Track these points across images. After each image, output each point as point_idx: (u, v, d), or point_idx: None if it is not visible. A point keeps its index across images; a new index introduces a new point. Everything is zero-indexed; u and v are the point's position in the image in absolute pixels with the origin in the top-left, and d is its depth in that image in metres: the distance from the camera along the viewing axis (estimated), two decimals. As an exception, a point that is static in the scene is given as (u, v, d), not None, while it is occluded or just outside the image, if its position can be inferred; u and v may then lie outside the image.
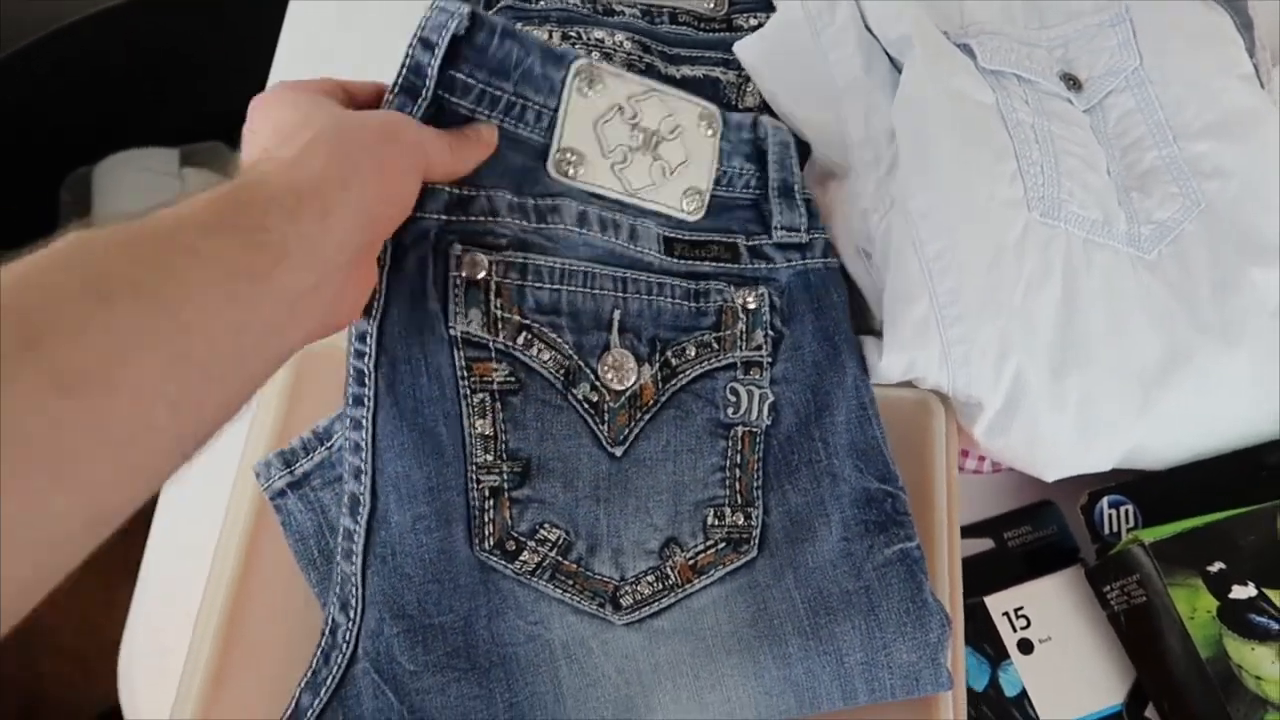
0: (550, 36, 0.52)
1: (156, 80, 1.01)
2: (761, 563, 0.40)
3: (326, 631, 0.37)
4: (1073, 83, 0.47)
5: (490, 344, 0.38)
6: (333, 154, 0.31)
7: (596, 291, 0.41)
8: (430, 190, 0.38)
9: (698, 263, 0.43)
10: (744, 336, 0.42)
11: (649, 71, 0.52)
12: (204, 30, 0.98)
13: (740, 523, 0.40)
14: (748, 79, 0.52)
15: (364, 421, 0.37)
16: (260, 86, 0.65)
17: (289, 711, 0.36)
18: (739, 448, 0.41)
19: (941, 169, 0.43)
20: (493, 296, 0.39)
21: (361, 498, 0.37)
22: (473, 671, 0.37)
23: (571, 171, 0.40)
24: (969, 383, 0.42)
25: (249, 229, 0.28)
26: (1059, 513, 0.49)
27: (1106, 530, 0.46)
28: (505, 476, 0.38)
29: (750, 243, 0.44)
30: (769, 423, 0.42)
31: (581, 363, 0.40)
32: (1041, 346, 0.42)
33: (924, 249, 0.42)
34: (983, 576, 0.46)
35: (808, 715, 0.39)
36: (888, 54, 0.48)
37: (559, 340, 0.39)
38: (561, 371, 0.39)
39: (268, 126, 0.35)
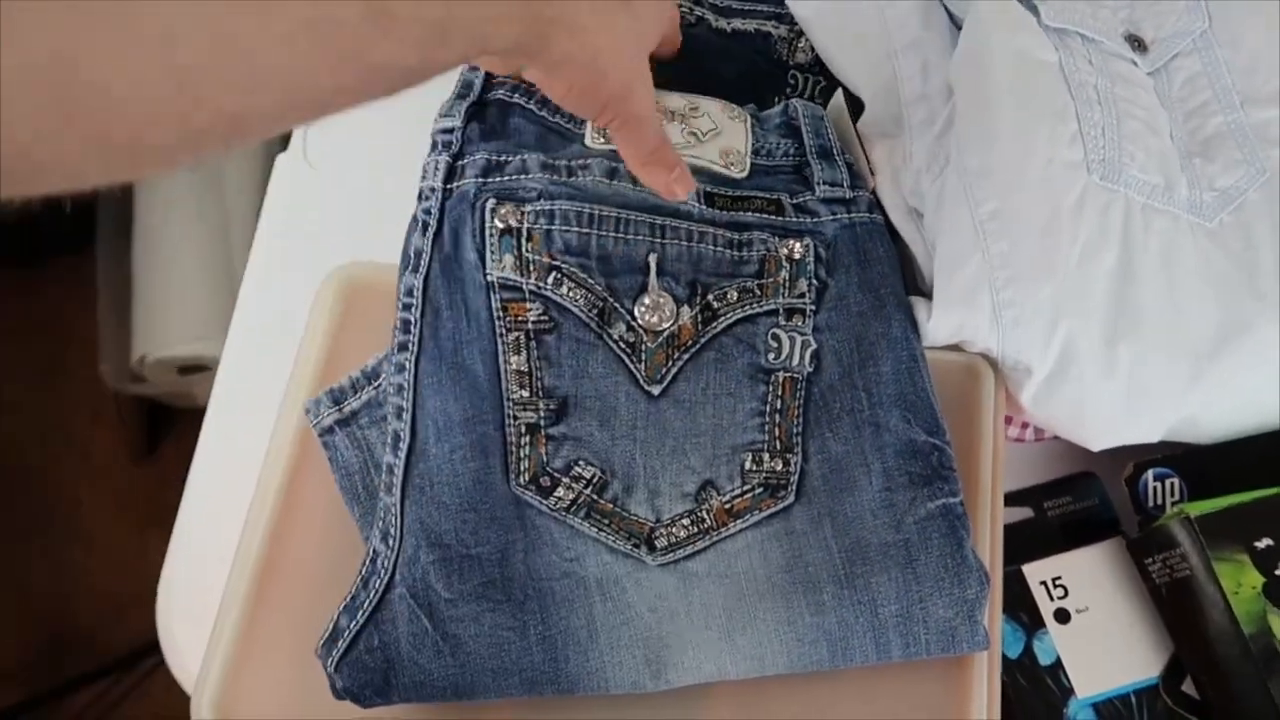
0: (601, -15, 0.51)
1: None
2: (799, 510, 0.40)
3: (367, 560, 0.38)
4: (1138, 44, 0.46)
5: (523, 285, 0.40)
6: None
7: (630, 236, 0.41)
8: (469, 159, 0.42)
9: (740, 214, 0.43)
10: (787, 284, 0.42)
11: (699, 24, 0.52)
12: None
13: (778, 468, 0.40)
14: (800, 33, 0.51)
15: (407, 365, 0.39)
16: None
17: (326, 632, 0.37)
18: (779, 393, 0.41)
19: (1000, 128, 0.42)
20: (524, 241, 0.41)
21: (402, 434, 0.39)
22: (507, 603, 0.38)
23: (608, 136, 0.42)
24: (1019, 346, 0.42)
25: None
26: (1100, 484, 0.48)
27: (1151, 503, 0.45)
28: (541, 413, 0.39)
29: (795, 200, 0.44)
30: (811, 369, 0.41)
31: (616, 303, 0.41)
32: (1094, 312, 0.41)
33: (979, 209, 0.41)
34: (1021, 545, 0.45)
35: (840, 667, 0.39)
36: (946, 9, 0.47)
37: (589, 280, 0.40)
38: (595, 311, 0.40)
39: None
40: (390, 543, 0.38)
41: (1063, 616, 0.44)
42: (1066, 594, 0.45)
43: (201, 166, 0.97)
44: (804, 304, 0.42)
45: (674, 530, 0.39)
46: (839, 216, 0.44)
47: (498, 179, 0.42)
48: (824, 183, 0.44)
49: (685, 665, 0.38)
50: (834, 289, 0.42)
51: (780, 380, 0.41)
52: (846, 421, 0.41)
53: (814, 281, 0.42)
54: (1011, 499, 0.48)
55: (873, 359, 0.41)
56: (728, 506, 0.40)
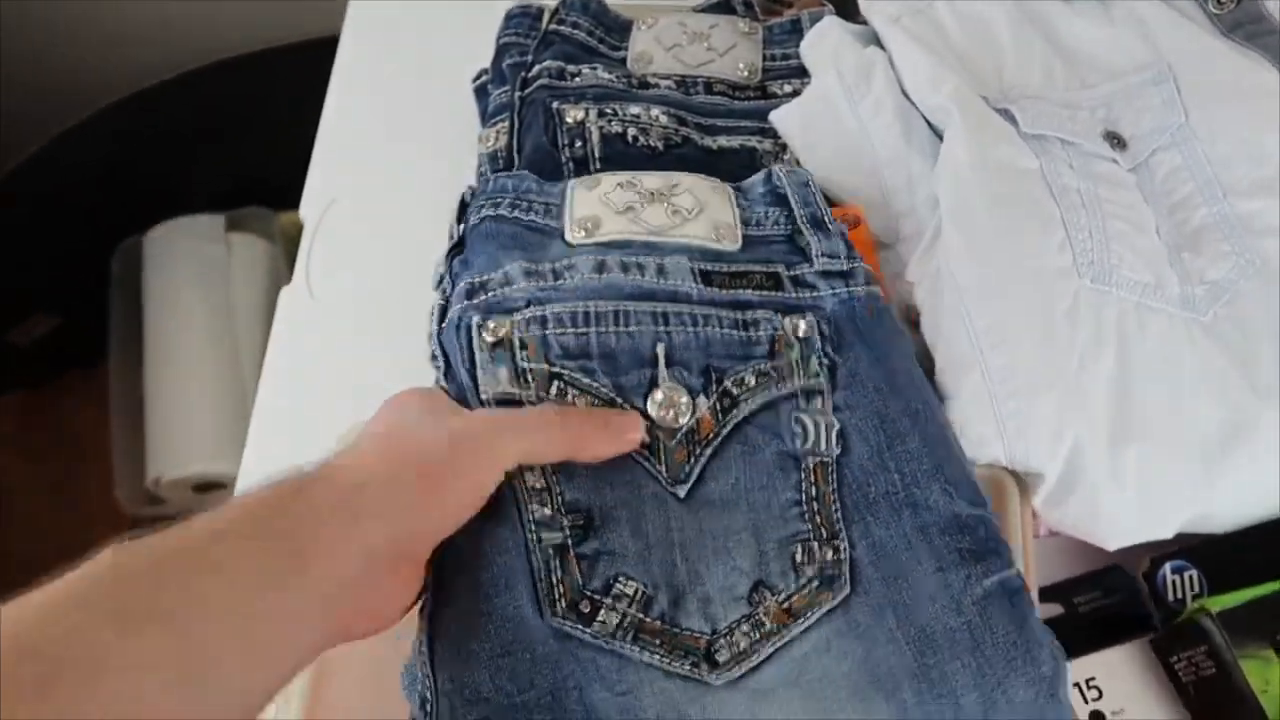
0: (587, 114, 0.52)
1: (200, 150, 1.04)
2: (858, 602, 0.37)
3: None
4: (1117, 141, 0.47)
5: (521, 397, 0.38)
6: (382, 463, 0.33)
7: (632, 329, 0.39)
8: (455, 290, 0.41)
9: (740, 291, 0.41)
10: (800, 364, 0.40)
11: (686, 144, 0.53)
12: (245, 102, 1.00)
13: (830, 557, 0.37)
14: (784, 147, 0.52)
15: None
16: (299, 152, 0.66)
17: None
18: (813, 479, 0.38)
19: (988, 241, 0.42)
20: (517, 350, 0.38)
21: (427, 583, 0.36)
22: None
23: (589, 230, 0.41)
24: (1026, 454, 0.42)
25: (277, 534, 0.29)
26: (1129, 577, 0.48)
27: (1171, 597, 0.45)
28: (568, 531, 0.37)
29: (792, 272, 0.42)
30: (839, 452, 0.39)
31: (625, 404, 0.38)
32: (1098, 416, 0.41)
33: (973, 323, 0.42)
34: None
35: None
36: (926, 120, 0.48)
37: (593, 384, 0.38)
38: None
39: (381, 419, 0.36)
40: (428, 709, 0.35)
41: (1099, 719, 0.44)
42: (1101, 695, 0.44)
43: (210, 291, 0.99)
44: (819, 384, 0.39)
45: (734, 640, 0.36)
46: (837, 291, 0.42)
47: (482, 298, 0.40)
48: (822, 254, 0.42)
49: None
50: (845, 368, 0.40)
51: (812, 466, 0.38)
52: (884, 505, 0.38)
53: (824, 359, 0.40)
54: (1041, 595, 0.47)
55: (899, 436, 0.39)
56: (785, 606, 0.36)
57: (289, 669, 0.30)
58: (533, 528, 0.36)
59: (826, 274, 0.42)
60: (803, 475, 0.38)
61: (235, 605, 0.28)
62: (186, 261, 1.00)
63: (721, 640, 0.36)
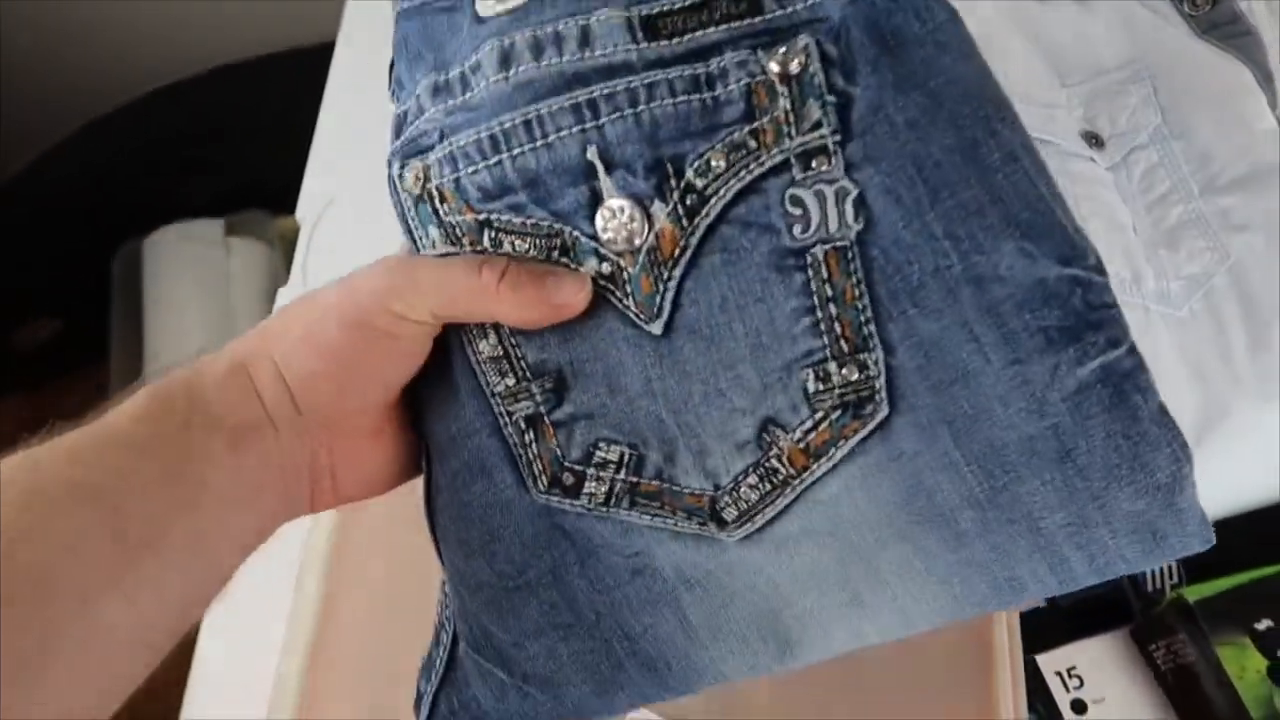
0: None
1: (200, 155, 1.05)
2: (900, 423, 0.29)
3: (437, 610, 0.35)
4: (1095, 141, 0.48)
5: (460, 255, 0.32)
6: (276, 328, 0.31)
7: (551, 138, 0.30)
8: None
9: (700, 33, 0.29)
10: (792, 117, 0.29)
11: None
12: (244, 107, 1.02)
13: (854, 377, 0.29)
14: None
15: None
16: (298, 157, 0.67)
17: (415, 697, 0.34)
18: (825, 275, 0.29)
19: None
20: (439, 204, 0.32)
21: (423, 466, 0.34)
22: (578, 625, 0.32)
23: None
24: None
25: (193, 412, 0.28)
26: (1103, 567, 0.49)
27: (1150, 587, 0.46)
28: (538, 398, 0.31)
29: None
30: (859, 228, 0.29)
31: (574, 230, 0.30)
32: (1075, 409, 0.42)
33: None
34: (1033, 631, 0.46)
35: (1013, 605, 0.30)
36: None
37: (527, 221, 0.31)
38: (556, 251, 0.31)
39: None
40: (446, 589, 0.33)
41: (1079, 708, 0.45)
42: (1081, 684, 0.45)
43: (210, 295, 1.00)
44: (823, 138, 0.29)
45: (741, 494, 0.30)
46: None
47: (403, 135, 0.33)
48: None
49: (809, 640, 0.31)
50: (863, 100, 0.29)
51: (821, 257, 0.29)
52: (933, 288, 0.29)
53: (829, 99, 0.29)
54: (1016, 587, 0.48)
55: (948, 185, 0.28)
56: (802, 445, 0.30)
57: (236, 543, 0.29)
58: (498, 401, 0.32)
59: None
60: (810, 273, 0.29)
61: (150, 468, 0.26)
62: (186, 265, 1.01)
63: (726, 497, 0.31)
